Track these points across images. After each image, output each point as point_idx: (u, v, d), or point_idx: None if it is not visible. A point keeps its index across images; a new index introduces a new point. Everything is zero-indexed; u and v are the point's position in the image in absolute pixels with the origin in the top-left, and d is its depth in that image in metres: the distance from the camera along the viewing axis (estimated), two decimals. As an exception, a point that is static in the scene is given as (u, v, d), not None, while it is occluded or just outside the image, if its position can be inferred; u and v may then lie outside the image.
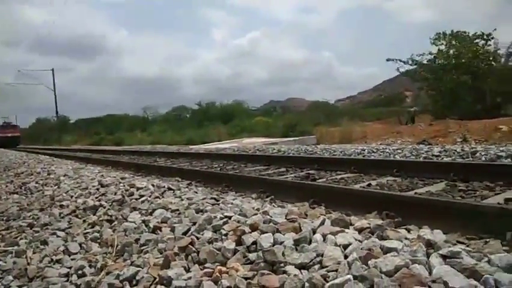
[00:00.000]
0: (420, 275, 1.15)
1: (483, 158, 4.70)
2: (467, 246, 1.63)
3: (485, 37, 14.57)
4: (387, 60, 15.53)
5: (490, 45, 14.35)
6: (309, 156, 6.40)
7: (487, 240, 1.78)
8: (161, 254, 1.74)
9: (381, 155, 5.85)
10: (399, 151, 5.85)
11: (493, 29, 14.39)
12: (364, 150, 6.43)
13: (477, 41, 14.68)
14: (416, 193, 3.11)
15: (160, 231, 2.03)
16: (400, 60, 15.47)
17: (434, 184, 3.59)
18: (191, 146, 15.24)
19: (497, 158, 4.58)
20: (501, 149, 5.09)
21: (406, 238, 1.45)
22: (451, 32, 15.02)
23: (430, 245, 1.34)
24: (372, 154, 6.02)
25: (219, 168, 5.98)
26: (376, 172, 4.34)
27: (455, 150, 5.28)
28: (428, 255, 1.29)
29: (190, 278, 1.43)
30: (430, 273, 1.18)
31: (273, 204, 2.64)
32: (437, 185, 3.55)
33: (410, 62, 15.28)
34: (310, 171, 4.83)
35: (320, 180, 4.10)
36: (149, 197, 2.80)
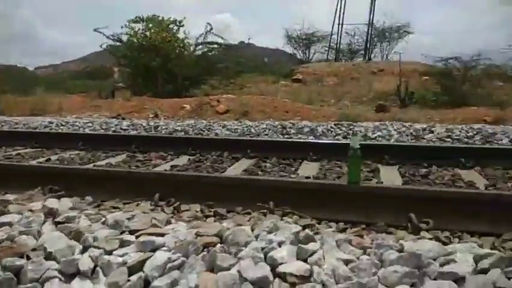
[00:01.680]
0: (20, 246, 1.14)
1: (163, 132, 5.38)
2: (121, 210, 1.84)
3: (177, 24, 16.36)
4: (95, 30, 14.73)
5: (180, 32, 16.22)
6: (-19, 129, 5.33)
7: (139, 202, 2.07)
8: None
9: (70, 128, 5.60)
10: (89, 124, 5.79)
11: (183, 17, 16.27)
12: (52, 123, 5.96)
13: (171, 26, 16.27)
14: (94, 165, 3.20)
15: None
16: (104, 34, 15.06)
17: (117, 156, 3.81)
18: None
19: (174, 132, 5.36)
20: (179, 124, 5.96)
21: (30, 210, 1.43)
22: (148, 15, 15.93)
23: (53, 214, 1.37)
24: (61, 127, 5.68)
25: None
26: (61, 146, 4.17)
27: (142, 125, 5.77)
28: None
29: None
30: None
31: None
32: (119, 156, 3.79)
33: (114, 38, 15.18)
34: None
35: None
36: None
